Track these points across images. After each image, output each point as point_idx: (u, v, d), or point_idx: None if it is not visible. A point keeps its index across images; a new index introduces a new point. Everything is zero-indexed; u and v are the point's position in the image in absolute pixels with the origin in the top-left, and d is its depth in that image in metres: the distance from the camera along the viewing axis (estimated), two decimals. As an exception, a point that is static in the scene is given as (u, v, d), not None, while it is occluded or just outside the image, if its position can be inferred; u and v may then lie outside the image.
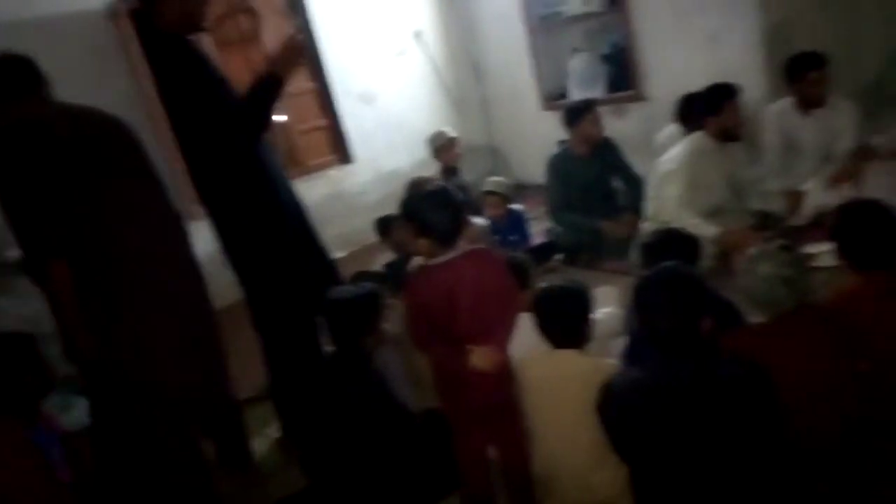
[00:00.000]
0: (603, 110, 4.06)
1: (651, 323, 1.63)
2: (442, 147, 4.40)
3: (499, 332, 2.11)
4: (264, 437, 2.86)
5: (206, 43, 3.91)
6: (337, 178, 5.24)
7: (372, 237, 4.13)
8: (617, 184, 4.05)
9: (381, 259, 3.83)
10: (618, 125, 4.40)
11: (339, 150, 5.28)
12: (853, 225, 2.04)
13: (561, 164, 4.00)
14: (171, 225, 2.23)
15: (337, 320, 2.19)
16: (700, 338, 1.64)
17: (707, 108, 3.32)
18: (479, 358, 2.00)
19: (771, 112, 3.70)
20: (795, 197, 3.55)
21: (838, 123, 3.51)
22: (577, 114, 3.89)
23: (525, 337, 2.12)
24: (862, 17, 4.07)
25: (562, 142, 4.17)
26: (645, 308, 1.65)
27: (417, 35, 5.48)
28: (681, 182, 3.31)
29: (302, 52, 2.45)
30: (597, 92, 4.92)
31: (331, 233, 5.19)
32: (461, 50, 5.77)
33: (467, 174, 4.64)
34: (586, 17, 4.89)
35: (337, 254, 5.05)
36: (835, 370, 1.87)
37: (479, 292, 2.06)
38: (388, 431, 2.12)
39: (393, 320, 2.55)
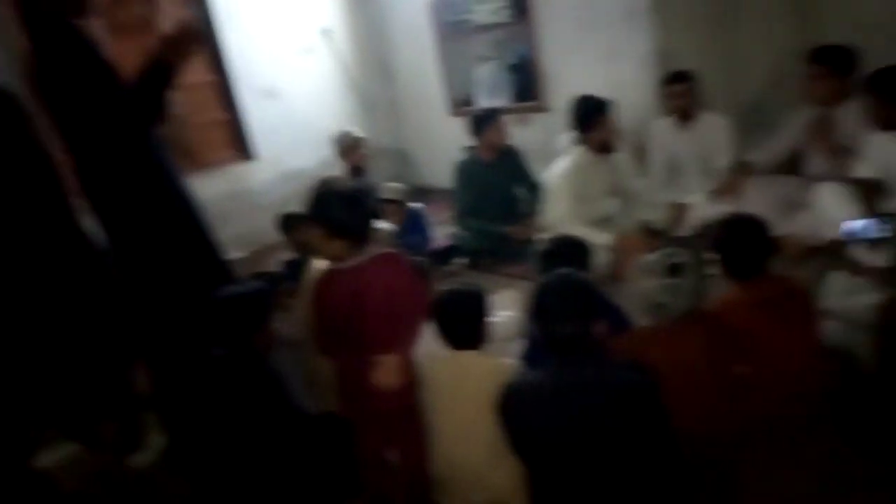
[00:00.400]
0: (508, 119, 4.16)
1: (547, 327, 1.68)
2: (348, 147, 4.35)
3: (406, 338, 2.12)
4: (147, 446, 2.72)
5: (97, 28, 3.68)
6: (237, 175, 5.06)
7: (274, 237, 4.02)
8: (520, 191, 4.16)
9: (283, 258, 3.73)
10: (522, 134, 4.52)
11: (240, 146, 5.10)
12: (731, 238, 2.19)
13: (467, 170, 4.06)
14: (62, 201, 2.10)
15: (223, 319, 2.11)
16: (593, 342, 1.70)
17: (580, 125, 3.47)
18: (384, 373, 1.99)
19: (654, 127, 3.95)
20: (679, 209, 3.78)
21: (712, 138, 3.79)
22: (483, 122, 3.97)
23: (426, 338, 2.14)
24: (745, 41, 4.38)
25: (468, 147, 4.23)
26: (541, 312, 1.70)
27: (325, 32, 5.40)
28: (567, 196, 3.48)
29: (197, 38, 2.35)
30: (503, 100, 5.03)
31: (230, 232, 4.98)
32: (370, 51, 5.73)
33: (374, 176, 4.61)
34: (494, 26, 4.99)
35: (235, 254, 4.87)
36: (714, 373, 2.00)
37: (388, 297, 2.05)
38: (286, 434, 2.07)
39: (290, 321, 2.49)
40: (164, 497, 2.40)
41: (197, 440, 2.16)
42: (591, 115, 3.45)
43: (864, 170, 3.10)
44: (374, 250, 2.11)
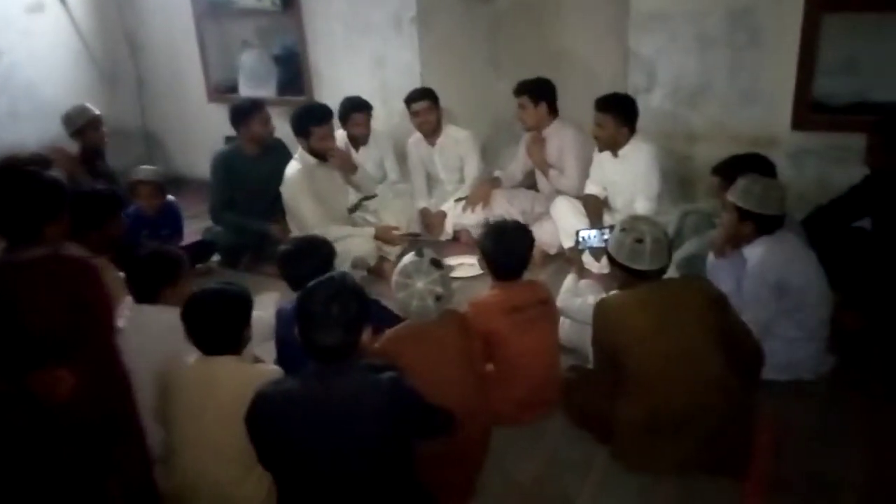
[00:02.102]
0: (274, 111, 4.00)
1: (313, 334, 1.61)
2: (82, 125, 3.82)
3: (86, 350, 1.87)
4: None
5: None
6: (-68, 145, 4.17)
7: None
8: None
9: None
10: (289, 129, 4.36)
11: (-62, 111, 4.22)
12: (496, 241, 2.35)
13: (227, 163, 3.81)
14: None
15: None
16: (357, 350, 1.68)
17: (296, 130, 3.52)
18: (44, 385, 1.75)
19: (410, 141, 4.12)
20: (439, 217, 3.99)
21: (459, 151, 4.06)
22: (245, 113, 3.76)
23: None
24: (498, 63, 4.79)
25: (229, 138, 3.98)
26: (308, 319, 1.62)
27: (59, -10, 4.69)
28: (307, 200, 3.48)
29: None
30: (268, 91, 4.84)
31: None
32: (114, 20, 5.11)
33: (116, 159, 4.12)
34: (258, 13, 4.77)
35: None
36: (467, 371, 2.11)
37: (56, 305, 1.79)
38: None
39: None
40: None
41: None
42: (305, 124, 3.48)
43: (590, 187, 3.57)
44: (37, 251, 1.84)
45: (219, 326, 1.88)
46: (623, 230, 2.12)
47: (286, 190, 3.55)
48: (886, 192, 2.80)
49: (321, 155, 3.52)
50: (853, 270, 2.70)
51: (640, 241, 2.06)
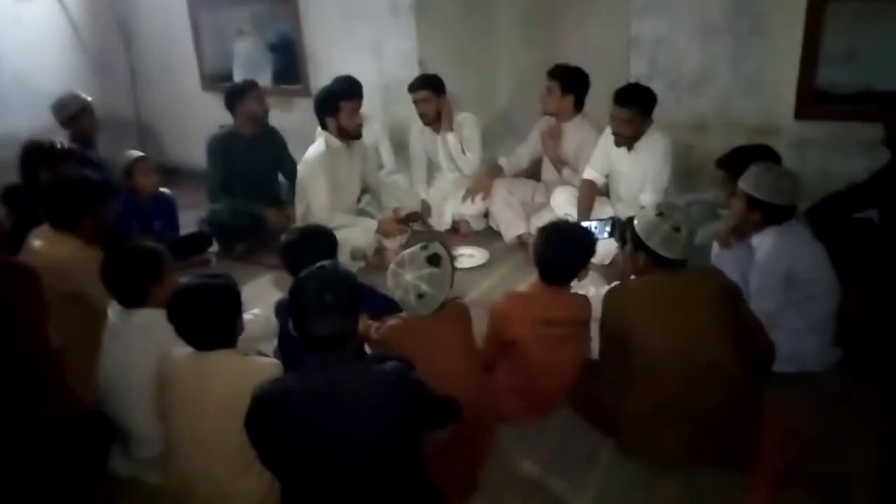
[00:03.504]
0: (270, 100, 3.94)
1: (306, 325, 1.56)
2: (78, 112, 3.75)
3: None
4: None
5: None
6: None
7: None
8: (280, 176, 3.97)
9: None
10: (284, 119, 4.31)
11: (-74, 100, 4.13)
12: (551, 240, 2.25)
13: (224, 144, 3.77)
14: None
15: None
16: (354, 338, 1.64)
17: (324, 109, 3.43)
18: None
19: (413, 131, 4.04)
20: (436, 205, 3.94)
21: (462, 134, 3.95)
22: (240, 92, 3.73)
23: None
24: (494, 55, 4.74)
25: (223, 127, 3.92)
26: (300, 310, 1.57)
27: (49, -23, 4.60)
28: (322, 186, 3.41)
29: None
30: (263, 79, 4.76)
31: None
32: (106, 9, 5.02)
33: (108, 149, 4.04)
34: (253, 0, 4.69)
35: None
36: (467, 366, 2.07)
37: None
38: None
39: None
40: None
41: None
42: (334, 101, 3.41)
43: (589, 172, 3.45)
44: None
45: (207, 322, 1.81)
46: (660, 215, 2.04)
47: (303, 168, 3.49)
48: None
49: (350, 134, 3.44)
50: (860, 261, 2.66)
51: (677, 229, 2.01)
